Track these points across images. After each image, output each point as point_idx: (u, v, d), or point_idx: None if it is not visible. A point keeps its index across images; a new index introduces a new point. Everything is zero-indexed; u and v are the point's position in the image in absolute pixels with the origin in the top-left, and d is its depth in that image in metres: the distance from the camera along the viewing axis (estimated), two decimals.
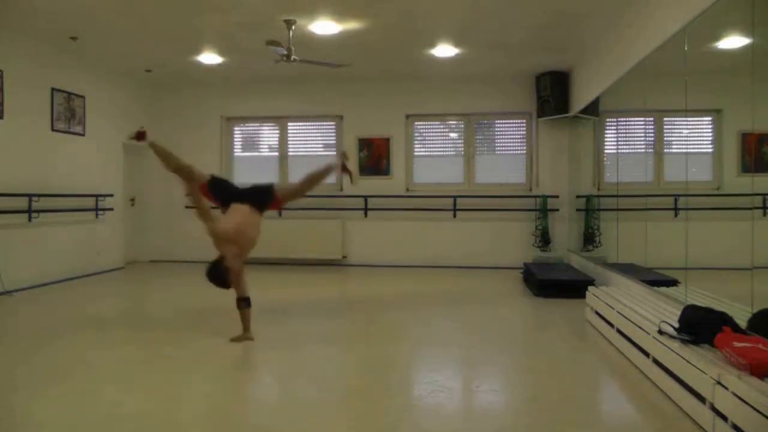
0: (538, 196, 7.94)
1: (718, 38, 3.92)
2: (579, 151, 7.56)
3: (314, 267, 8.07)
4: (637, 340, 3.44)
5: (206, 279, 4.02)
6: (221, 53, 6.86)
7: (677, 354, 2.83)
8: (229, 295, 6.32)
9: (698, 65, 4.11)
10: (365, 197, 8.26)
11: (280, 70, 6.65)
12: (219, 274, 4.00)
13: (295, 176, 8.65)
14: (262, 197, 4.43)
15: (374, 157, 8.39)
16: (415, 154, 8.50)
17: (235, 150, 8.94)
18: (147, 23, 5.71)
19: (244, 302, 4.14)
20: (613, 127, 6.51)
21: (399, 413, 2.84)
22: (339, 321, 4.90)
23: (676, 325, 3.10)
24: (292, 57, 5.72)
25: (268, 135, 9.03)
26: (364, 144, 8.43)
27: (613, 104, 6.06)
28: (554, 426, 2.64)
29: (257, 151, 9.17)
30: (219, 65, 7.30)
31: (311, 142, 8.95)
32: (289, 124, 8.74)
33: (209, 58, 6.99)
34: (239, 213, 4.22)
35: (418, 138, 8.56)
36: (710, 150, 4.40)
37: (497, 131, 8.57)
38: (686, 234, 3.96)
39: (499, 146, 8.58)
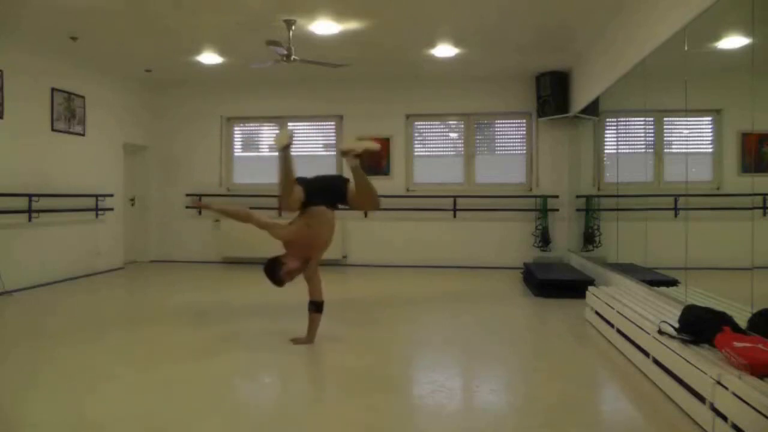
0: (538, 196, 7.94)
1: (718, 38, 3.92)
2: (579, 151, 7.56)
3: None
4: (637, 340, 3.44)
5: (264, 274, 3.89)
6: (221, 53, 6.86)
7: (677, 354, 2.83)
8: (228, 295, 6.32)
9: (698, 65, 4.11)
10: None
11: (280, 70, 6.65)
12: (274, 270, 3.83)
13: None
14: (337, 195, 4.06)
15: (374, 157, 8.37)
16: (415, 154, 8.50)
17: (235, 150, 8.94)
18: (147, 23, 5.71)
19: (314, 306, 4.00)
20: (613, 127, 6.51)
21: (399, 413, 2.84)
22: (339, 321, 4.89)
23: (676, 325, 3.10)
24: (292, 57, 5.72)
25: (268, 135, 9.03)
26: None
27: (613, 104, 6.06)
28: (554, 426, 2.64)
29: (257, 151, 9.18)
30: (219, 65, 7.30)
31: (311, 142, 8.95)
32: (289, 124, 8.74)
33: (209, 58, 6.99)
34: (318, 217, 3.97)
35: (418, 138, 8.56)
36: (710, 150, 4.40)
37: (497, 131, 8.57)
38: (686, 234, 3.96)
39: (499, 146, 8.58)
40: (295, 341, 4.01)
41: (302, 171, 4.32)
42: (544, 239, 7.85)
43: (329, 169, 8.54)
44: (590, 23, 5.67)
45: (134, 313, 5.38)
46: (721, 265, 3.93)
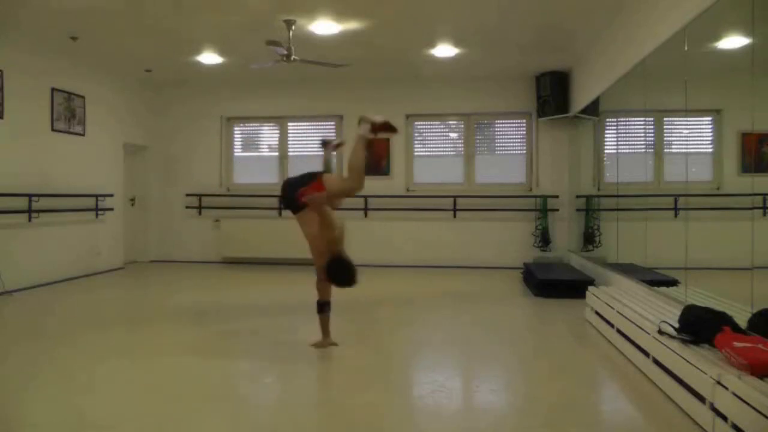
0: (538, 196, 7.94)
1: (718, 38, 3.92)
2: (579, 151, 7.56)
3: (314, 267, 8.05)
4: (637, 340, 3.44)
5: (338, 282, 3.72)
6: (221, 53, 6.86)
7: (677, 354, 2.83)
8: (228, 295, 6.31)
9: (698, 65, 4.11)
10: (365, 197, 8.26)
11: (280, 70, 6.65)
12: (353, 270, 3.72)
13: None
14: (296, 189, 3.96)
15: (374, 157, 8.38)
16: (415, 154, 8.50)
17: (235, 150, 8.93)
18: (147, 23, 5.71)
19: (327, 306, 3.93)
20: (613, 127, 6.51)
21: (399, 413, 2.84)
22: (338, 321, 4.88)
23: (676, 325, 3.10)
24: (292, 57, 5.72)
25: (268, 135, 9.03)
26: (364, 144, 8.41)
27: (613, 104, 6.06)
28: (554, 426, 2.64)
29: (257, 151, 9.17)
30: (219, 65, 7.31)
31: (311, 142, 8.94)
32: (289, 124, 8.74)
33: (209, 58, 6.99)
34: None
35: (418, 138, 8.56)
36: (710, 150, 4.40)
37: (497, 131, 8.57)
38: (686, 234, 3.96)
39: (499, 146, 8.58)
40: (318, 345, 3.89)
41: (301, 171, 4.32)
42: (544, 239, 7.85)
43: None
44: (590, 23, 5.67)
45: (134, 313, 5.38)
46: (721, 265, 3.93)
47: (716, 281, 3.94)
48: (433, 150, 8.58)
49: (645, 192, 5.17)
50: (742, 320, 2.96)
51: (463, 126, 8.39)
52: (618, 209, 5.88)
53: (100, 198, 7.40)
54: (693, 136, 4.65)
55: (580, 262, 7.02)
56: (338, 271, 3.71)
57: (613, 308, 4.02)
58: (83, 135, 7.24)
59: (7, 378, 3.30)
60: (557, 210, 7.94)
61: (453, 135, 8.62)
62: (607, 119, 6.51)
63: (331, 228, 3.78)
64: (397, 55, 6.93)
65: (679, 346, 2.87)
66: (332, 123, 8.66)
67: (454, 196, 8.13)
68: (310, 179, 3.97)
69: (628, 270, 5.20)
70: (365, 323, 4.85)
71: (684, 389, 2.71)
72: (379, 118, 3.93)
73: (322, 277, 3.85)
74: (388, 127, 4.00)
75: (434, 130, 8.64)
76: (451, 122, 8.55)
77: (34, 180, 6.34)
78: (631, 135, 5.99)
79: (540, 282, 5.94)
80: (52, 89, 6.70)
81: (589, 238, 6.93)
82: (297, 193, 3.89)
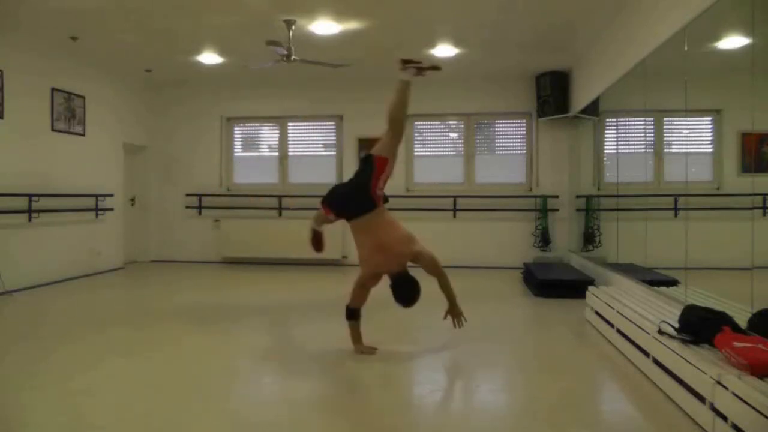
0: (538, 196, 7.94)
1: (718, 38, 3.92)
2: (579, 151, 7.56)
3: (314, 267, 8.06)
4: (637, 340, 3.44)
5: (406, 301, 3.65)
6: (221, 53, 6.86)
7: (677, 354, 2.83)
8: (228, 295, 6.31)
9: (698, 65, 4.11)
10: None
11: (280, 70, 6.65)
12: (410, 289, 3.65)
13: (295, 176, 8.67)
14: (364, 187, 3.75)
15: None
16: (415, 154, 8.50)
17: (235, 150, 8.94)
18: (147, 23, 5.71)
19: (358, 313, 3.84)
20: (613, 127, 6.51)
21: (399, 413, 2.84)
22: (338, 321, 4.88)
23: (676, 325, 3.10)
24: (292, 57, 5.72)
25: (268, 135, 9.03)
26: (364, 144, 8.41)
27: (613, 104, 6.06)
28: (554, 426, 2.64)
29: (257, 151, 9.17)
30: (219, 65, 7.31)
31: (311, 142, 8.95)
32: (289, 124, 8.74)
33: (209, 58, 6.99)
34: (366, 235, 3.72)
35: (418, 138, 8.57)
36: (710, 150, 4.40)
37: (497, 131, 8.57)
38: (686, 234, 3.96)
39: (499, 146, 8.58)
40: (363, 351, 3.83)
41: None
42: (544, 239, 7.85)
43: (329, 169, 8.56)
44: (590, 23, 5.67)
45: (134, 314, 5.37)
46: (721, 265, 3.93)
47: (716, 281, 3.94)
48: (433, 150, 8.58)
49: (645, 192, 5.17)
50: (742, 320, 2.96)
51: (463, 126, 8.40)
52: (618, 209, 5.88)
53: (100, 198, 7.40)
54: (693, 136, 4.66)
55: (580, 262, 7.02)
56: (408, 288, 3.64)
57: (613, 308, 4.02)
58: (83, 135, 7.24)
59: (6, 378, 3.30)
60: (557, 210, 7.94)
61: (453, 135, 8.63)
62: (607, 119, 6.51)
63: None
64: (397, 55, 6.89)
65: (679, 346, 2.87)
66: (332, 123, 8.66)
67: (454, 196, 8.13)
68: (368, 167, 3.82)
69: (628, 270, 5.20)
70: (364, 323, 4.83)
71: (684, 389, 2.71)
72: (426, 63, 3.96)
73: (369, 284, 3.73)
74: (431, 67, 4.01)
75: (434, 130, 8.64)
76: (451, 122, 8.55)
77: (34, 180, 6.34)
78: (631, 135, 5.99)
79: (540, 282, 5.94)
80: (52, 89, 6.70)
81: (589, 238, 6.93)
82: (370, 191, 3.73)
